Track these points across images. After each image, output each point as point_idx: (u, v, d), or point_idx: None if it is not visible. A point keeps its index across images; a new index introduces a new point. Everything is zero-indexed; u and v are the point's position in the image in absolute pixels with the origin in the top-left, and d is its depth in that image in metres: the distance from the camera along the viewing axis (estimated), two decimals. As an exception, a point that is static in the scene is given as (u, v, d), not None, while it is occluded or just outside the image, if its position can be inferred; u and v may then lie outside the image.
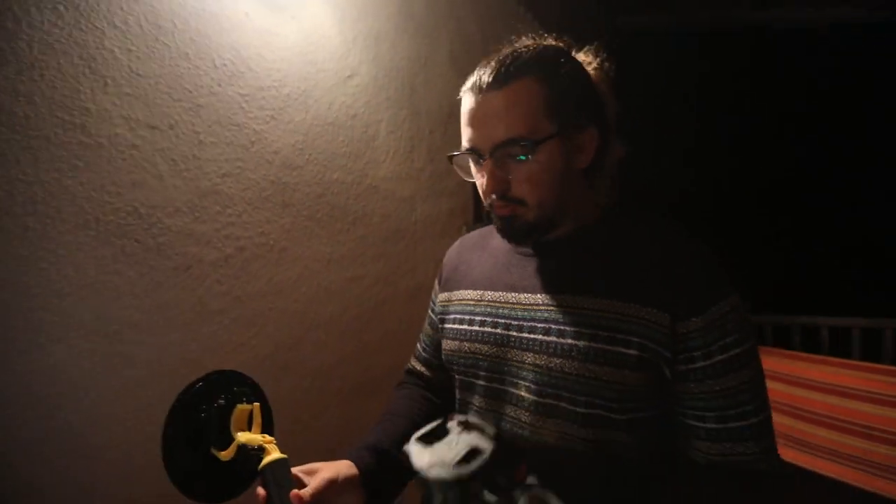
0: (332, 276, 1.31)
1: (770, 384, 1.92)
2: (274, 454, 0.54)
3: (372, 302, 1.42)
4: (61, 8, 0.82)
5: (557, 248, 0.64)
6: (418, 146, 1.61)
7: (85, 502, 0.85)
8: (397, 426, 0.70)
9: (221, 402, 0.58)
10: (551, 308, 0.59)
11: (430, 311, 0.82)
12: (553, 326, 0.58)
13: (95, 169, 0.87)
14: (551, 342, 0.58)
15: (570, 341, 0.56)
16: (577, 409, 0.55)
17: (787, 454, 2.09)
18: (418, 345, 0.85)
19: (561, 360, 0.57)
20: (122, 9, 0.89)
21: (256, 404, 0.59)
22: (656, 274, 0.56)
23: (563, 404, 0.56)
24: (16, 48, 0.78)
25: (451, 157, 0.64)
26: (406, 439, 0.69)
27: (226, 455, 0.56)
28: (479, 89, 0.57)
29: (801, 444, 2.09)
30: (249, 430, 0.58)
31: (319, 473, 0.57)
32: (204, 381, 0.59)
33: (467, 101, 0.59)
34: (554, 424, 0.57)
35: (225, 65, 1.06)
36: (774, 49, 3.16)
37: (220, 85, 1.05)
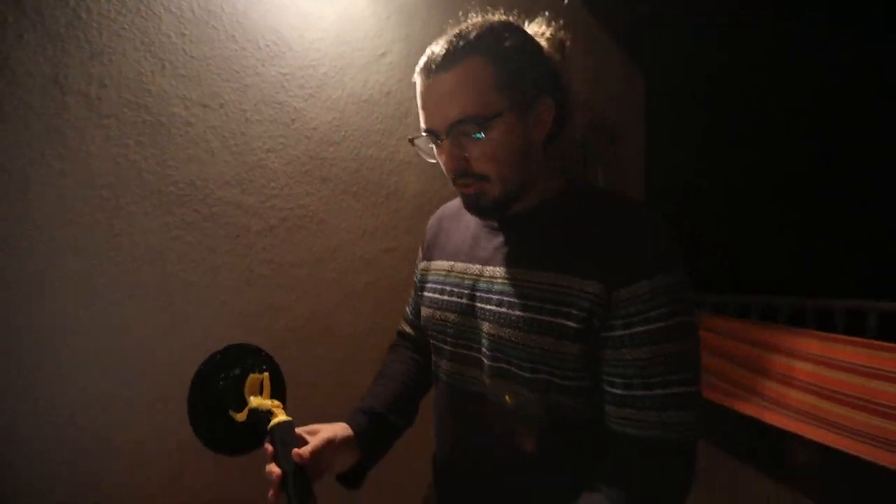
0: (366, 248, 1.38)
1: (810, 367, 1.87)
2: (280, 417, 0.60)
3: (404, 273, 1.49)
4: (125, -4, 0.90)
5: (519, 223, 0.66)
6: (449, 123, 1.64)
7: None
8: (389, 389, 0.76)
9: (237, 371, 0.65)
10: (507, 281, 0.63)
11: (414, 277, 0.86)
12: (505, 299, 0.62)
13: (157, 145, 0.96)
14: (503, 313, 0.61)
15: (517, 313, 0.60)
16: (524, 374, 0.60)
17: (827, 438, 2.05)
18: (407, 308, 0.89)
19: (509, 330, 0.60)
20: (176, -5, 0.97)
21: (266, 373, 0.66)
22: (600, 248, 0.58)
23: (513, 369, 0.61)
24: (88, 35, 0.87)
25: (412, 141, 0.66)
26: (397, 401, 0.75)
27: (240, 417, 0.63)
28: (428, 71, 0.58)
29: (836, 427, 2.06)
30: (262, 395, 0.66)
31: (319, 434, 0.62)
32: (221, 354, 0.66)
33: (419, 83, 0.60)
34: (507, 386, 0.62)
35: (268, 45, 1.13)
36: (787, 43, 3.00)
37: (263, 65, 1.12)
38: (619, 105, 3.28)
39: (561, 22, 0.64)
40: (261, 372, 0.66)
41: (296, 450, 0.58)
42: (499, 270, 0.64)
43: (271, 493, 0.56)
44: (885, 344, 2.08)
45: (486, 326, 0.63)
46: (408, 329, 0.88)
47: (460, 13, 0.65)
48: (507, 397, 0.62)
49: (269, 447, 0.59)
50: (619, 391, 0.56)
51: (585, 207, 0.63)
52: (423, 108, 0.60)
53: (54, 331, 0.85)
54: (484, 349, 0.64)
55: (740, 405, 2.39)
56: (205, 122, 1.03)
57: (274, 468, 0.56)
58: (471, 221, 0.74)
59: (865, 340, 2.18)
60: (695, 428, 0.55)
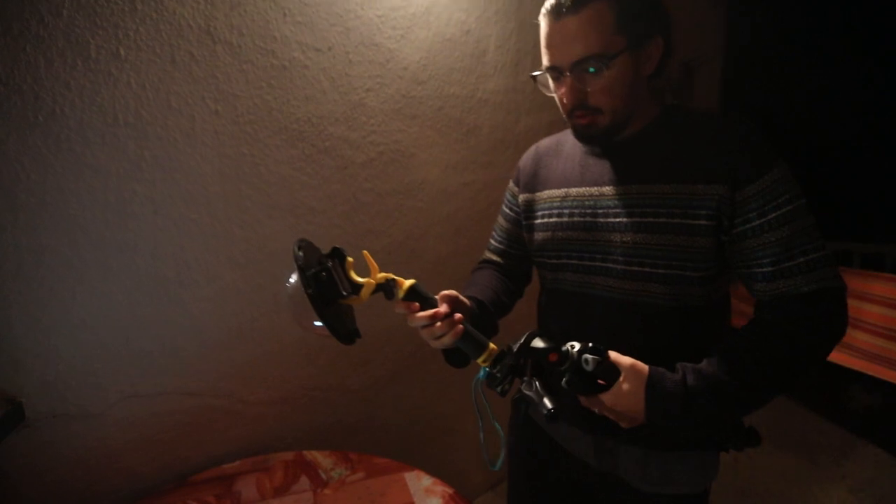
0: (448, 180, 1.52)
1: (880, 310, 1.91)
2: (408, 280, 0.66)
3: (481, 204, 1.63)
4: (253, -50, 1.02)
5: (627, 147, 0.75)
6: (523, 59, 1.68)
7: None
8: (485, 291, 0.86)
9: (328, 263, 0.64)
10: (631, 195, 0.73)
11: (506, 209, 0.95)
12: (636, 209, 0.72)
13: (282, 86, 1.11)
14: (635, 222, 0.71)
15: (649, 220, 0.70)
16: (659, 272, 0.71)
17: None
18: (491, 241, 0.99)
19: (644, 234, 0.71)
20: (291, -55, 1.07)
21: (364, 251, 0.67)
22: (713, 155, 0.67)
23: (646, 269, 0.71)
24: (227, -11, 1.00)
25: (533, 77, 0.75)
26: (493, 302, 0.82)
27: (363, 298, 0.65)
28: (556, 14, 0.66)
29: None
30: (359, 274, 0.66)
31: (445, 291, 0.71)
32: (302, 249, 0.64)
33: (545, 24, 0.69)
34: (638, 285, 0.73)
35: (365, -12, 1.22)
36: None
37: (362, 8, 1.22)
38: (698, 36, 3.09)
39: None
40: (347, 255, 0.67)
41: (445, 291, 0.69)
42: (620, 189, 0.74)
43: (448, 336, 0.66)
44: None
45: (616, 237, 0.74)
46: (494, 258, 0.98)
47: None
48: (635, 295, 0.73)
49: (415, 305, 0.67)
50: (769, 269, 0.66)
51: (686, 125, 0.73)
52: (549, 46, 0.69)
53: (217, 240, 1.06)
54: (615, 256, 0.74)
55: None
56: (317, 65, 1.16)
57: (441, 310, 0.66)
58: (572, 153, 0.83)
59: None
60: (840, 277, 0.66)
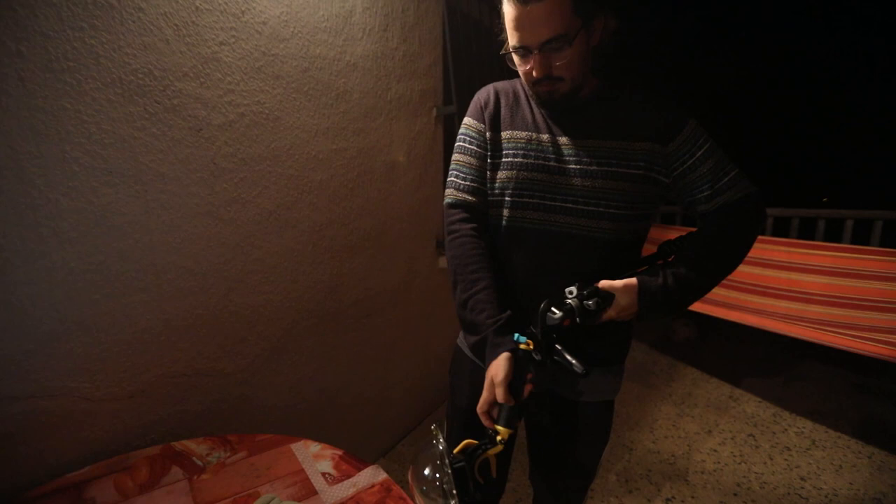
0: (319, 147, 1.46)
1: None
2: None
3: (354, 172, 1.61)
4: None
5: (580, 108, 0.88)
6: (392, 24, 1.67)
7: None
8: (491, 296, 0.86)
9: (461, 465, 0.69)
10: (587, 147, 0.86)
11: (472, 147, 0.94)
12: (592, 159, 0.85)
13: (111, 30, 0.95)
14: (592, 170, 0.85)
15: (604, 168, 0.84)
16: (610, 211, 0.85)
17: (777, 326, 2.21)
18: (458, 179, 0.95)
19: (601, 180, 0.84)
20: None
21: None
22: (644, 118, 0.84)
23: (600, 209, 0.85)
24: None
25: (503, 55, 0.84)
26: (497, 301, 0.87)
27: (498, 447, 0.72)
28: (524, 1, 0.75)
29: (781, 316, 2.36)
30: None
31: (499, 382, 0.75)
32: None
33: (511, 10, 0.77)
34: (592, 223, 0.86)
35: (210, -73, 1.09)
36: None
37: (207, -51, 1.09)
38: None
39: None
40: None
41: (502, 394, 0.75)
42: (576, 141, 0.87)
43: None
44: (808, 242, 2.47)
45: (576, 181, 0.85)
46: (467, 197, 0.94)
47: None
48: (588, 231, 0.86)
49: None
50: (708, 192, 0.84)
51: (619, 96, 0.88)
52: (518, 29, 0.78)
53: (35, 211, 0.89)
54: (574, 197, 0.86)
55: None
56: (156, 9, 1.01)
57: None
58: (529, 105, 0.92)
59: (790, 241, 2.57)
60: (754, 184, 0.85)
